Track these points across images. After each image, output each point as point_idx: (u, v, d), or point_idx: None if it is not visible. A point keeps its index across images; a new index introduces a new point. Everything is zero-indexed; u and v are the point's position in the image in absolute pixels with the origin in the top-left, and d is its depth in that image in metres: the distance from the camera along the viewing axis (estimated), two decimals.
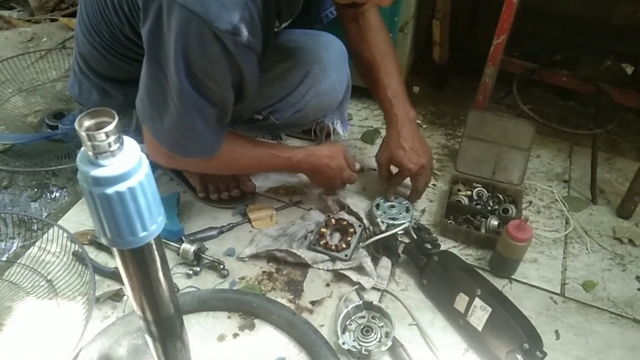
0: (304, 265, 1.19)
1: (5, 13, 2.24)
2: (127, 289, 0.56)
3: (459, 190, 1.37)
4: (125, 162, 0.43)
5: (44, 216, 1.30)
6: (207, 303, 1.08)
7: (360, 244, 1.21)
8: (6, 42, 2.01)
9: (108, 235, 0.47)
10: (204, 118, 0.93)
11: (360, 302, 1.08)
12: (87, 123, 0.41)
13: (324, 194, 1.33)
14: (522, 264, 1.20)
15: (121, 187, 0.43)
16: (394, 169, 1.32)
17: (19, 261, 1.17)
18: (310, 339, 1.01)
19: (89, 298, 1.04)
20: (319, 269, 1.18)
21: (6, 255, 1.20)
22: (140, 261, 0.51)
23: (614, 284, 1.20)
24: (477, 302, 1.01)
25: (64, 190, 1.38)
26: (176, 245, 1.17)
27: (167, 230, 1.19)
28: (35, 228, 1.26)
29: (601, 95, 1.50)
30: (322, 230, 1.22)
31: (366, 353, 1.00)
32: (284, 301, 1.11)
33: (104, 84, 1.13)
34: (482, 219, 1.28)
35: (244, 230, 1.28)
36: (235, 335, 1.05)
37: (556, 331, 1.10)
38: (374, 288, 1.14)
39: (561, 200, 1.41)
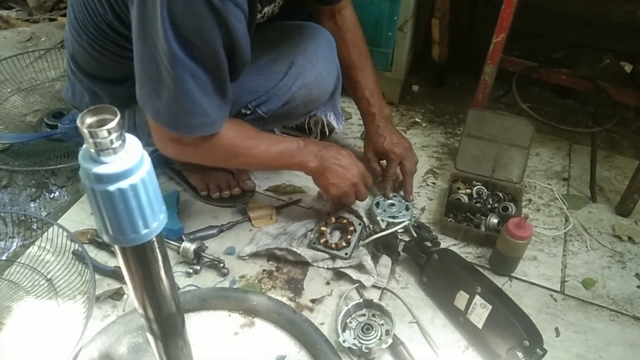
0: (304, 264, 1.19)
1: (4, 13, 2.24)
2: (129, 287, 0.56)
3: (458, 188, 1.37)
4: (127, 159, 0.43)
5: (43, 215, 1.30)
6: (208, 302, 1.08)
7: (360, 242, 1.21)
8: (5, 42, 2.01)
9: (110, 233, 0.47)
10: (199, 86, 0.89)
11: (361, 300, 1.09)
12: (89, 120, 0.41)
13: (331, 207, 1.30)
14: (522, 261, 1.20)
15: (123, 184, 0.43)
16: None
17: (18, 260, 1.17)
18: (310, 337, 1.01)
19: (89, 297, 1.04)
20: (319, 267, 1.18)
21: (6, 254, 1.19)
22: (142, 258, 0.51)
23: (613, 282, 1.20)
24: (477, 299, 1.02)
25: (64, 189, 1.38)
26: (176, 244, 1.17)
27: (167, 229, 1.19)
28: (35, 227, 1.26)
29: (600, 93, 1.50)
30: (322, 228, 1.22)
31: (366, 351, 1.00)
32: (284, 299, 1.12)
33: (93, 85, 1.13)
34: (482, 217, 1.28)
35: (244, 229, 1.28)
36: (236, 333, 1.05)
37: (556, 328, 1.10)
38: (374, 286, 1.15)
39: (561, 198, 1.41)
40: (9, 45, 1.99)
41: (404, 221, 1.25)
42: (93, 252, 1.19)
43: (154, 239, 0.50)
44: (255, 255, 1.20)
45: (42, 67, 1.80)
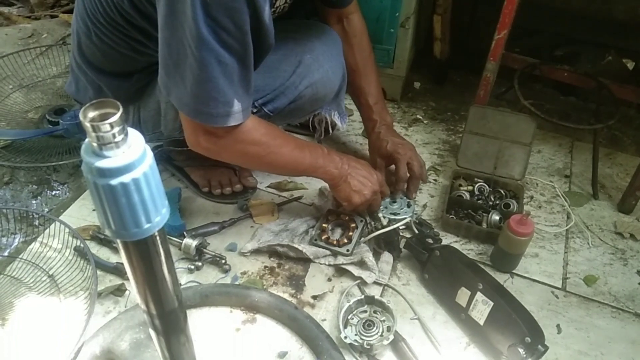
0: (305, 260, 1.19)
1: (5, 9, 2.24)
2: (131, 282, 0.56)
3: (460, 185, 1.37)
4: (129, 153, 0.43)
5: (45, 212, 1.30)
6: (209, 298, 1.08)
7: (362, 238, 1.21)
8: (6, 39, 2.01)
9: (112, 227, 0.47)
10: (225, 74, 0.89)
11: (362, 296, 1.09)
12: (92, 114, 0.41)
13: (334, 205, 1.29)
14: (523, 258, 1.20)
15: (125, 178, 0.43)
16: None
17: (20, 256, 1.17)
18: (312, 333, 1.01)
19: (91, 293, 1.04)
20: (321, 263, 1.19)
21: (8, 250, 1.20)
22: (144, 253, 0.51)
23: (615, 279, 1.20)
24: (479, 296, 1.02)
25: (65, 185, 1.38)
26: (178, 240, 1.17)
27: (168, 225, 1.19)
28: (37, 223, 1.26)
29: (602, 90, 1.50)
30: (324, 225, 1.22)
31: (368, 347, 1.00)
32: (285, 296, 1.12)
33: (98, 79, 1.13)
34: (484, 214, 1.28)
35: (245, 226, 1.28)
36: (237, 329, 1.05)
37: (557, 325, 1.10)
38: (375, 283, 1.15)
39: (562, 195, 1.41)
40: (10, 41, 1.99)
41: (405, 218, 1.25)
42: (95, 249, 1.20)
43: (156, 233, 0.50)
44: (256, 251, 1.20)
45: (43, 64, 1.80)
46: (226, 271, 1.16)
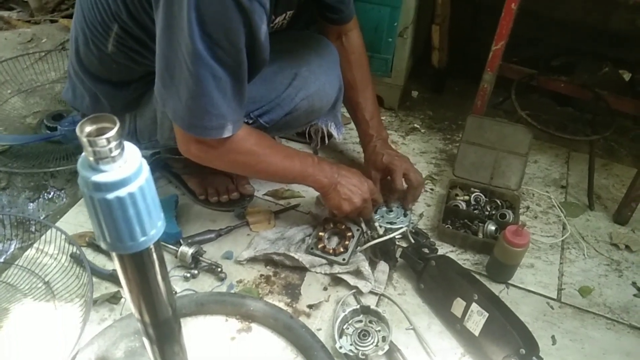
0: (301, 269, 1.19)
1: (5, 14, 2.24)
2: (125, 292, 0.56)
3: (456, 195, 1.37)
4: (125, 168, 0.43)
5: (42, 218, 1.30)
6: (205, 306, 1.08)
7: (358, 248, 1.21)
8: (5, 43, 2.01)
9: (107, 240, 0.47)
10: (219, 88, 0.90)
11: (358, 306, 1.09)
12: (88, 129, 0.42)
13: (330, 214, 1.28)
14: (519, 269, 1.20)
15: (121, 192, 0.43)
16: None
17: (16, 263, 1.17)
18: (307, 342, 1.01)
19: (87, 300, 1.04)
20: (317, 272, 1.19)
21: (4, 256, 1.20)
22: (139, 265, 0.52)
23: (610, 290, 1.21)
24: (474, 307, 1.02)
25: (62, 191, 1.38)
26: (174, 247, 1.17)
27: (165, 232, 1.17)
28: (33, 229, 1.26)
29: (599, 101, 1.51)
30: (320, 234, 1.23)
31: (363, 357, 1.00)
32: (281, 305, 1.12)
33: (95, 87, 1.13)
34: (480, 224, 1.28)
35: (242, 233, 1.28)
36: (233, 338, 1.05)
37: (552, 336, 1.10)
38: (371, 292, 1.15)
39: (558, 206, 1.41)
40: (9, 46, 1.99)
41: (401, 227, 1.26)
42: (91, 255, 1.20)
43: (152, 246, 0.50)
44: (253, 260, 1.21)
45: (42, 69, 1.80)
46: (222, 279, 1.16)
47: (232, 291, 1.14)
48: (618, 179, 1.52)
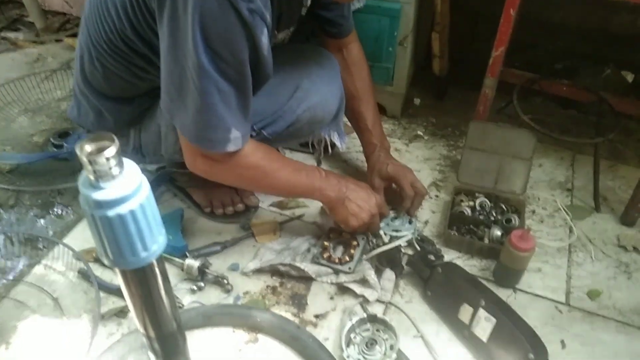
0: (307, 279, 1.19)
1: (12, 35, 2.28)
2: (130, 307, 0.57)
3: (461, 201, 1.37)
4: (126, 185, 0.44)
5: (49, 234, 1.31)
6: (212, 318, 1.08)
7: (364, 256, 1.21)
8: (12, 64, 2.05)
9: (110, 256, 0.47)
10: (224, 100, 0.91)
11: (365, 315, 1.09)
12: (88, 148, 0.42)
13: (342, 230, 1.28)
14: (526, 273, 1.20)
15: (122, 209, 0.44)
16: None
17: (24, 279, 1.18)
18: (314, 352, 1.01)
19: (94, 315, 1.05)
20: (323, 282, 1.19)
21: (12, 273, 1.21)
22: (142, 280, 0.52)
23: (619, 292, 1.20)
24: (482, 313, 1.01)
25: (69, 208, 1.40)
26: (180, 261, 1.18)
27: (171, 246, 1.20)
28: (41, 246, 1.27)
29: (602, 103, 1.50)
30: (325, 243, 1.23)
31: None
32: (288, 315, 1.12)
33: (99, 104, 1.15)
34: (485, 229, 1.28)
35: (247, 245, 1.29)
36: (240, 350, 1.05)
37: (562, 341, 1.09)
38: (378, 301, 1.15)
39: (564, 209, 1.41)
40: (16, 66, 2.03)
41: (407, 235, 1.25)
42: (98, 271, 1.20)
43: (154, 261, 0.51)
44: (259, 271, 1.21)
45: (48, 88, 1.83)
46: (228, 291, 1.17)
47: (239, 303, 1.15)
48: (624, 181, 1.51)
